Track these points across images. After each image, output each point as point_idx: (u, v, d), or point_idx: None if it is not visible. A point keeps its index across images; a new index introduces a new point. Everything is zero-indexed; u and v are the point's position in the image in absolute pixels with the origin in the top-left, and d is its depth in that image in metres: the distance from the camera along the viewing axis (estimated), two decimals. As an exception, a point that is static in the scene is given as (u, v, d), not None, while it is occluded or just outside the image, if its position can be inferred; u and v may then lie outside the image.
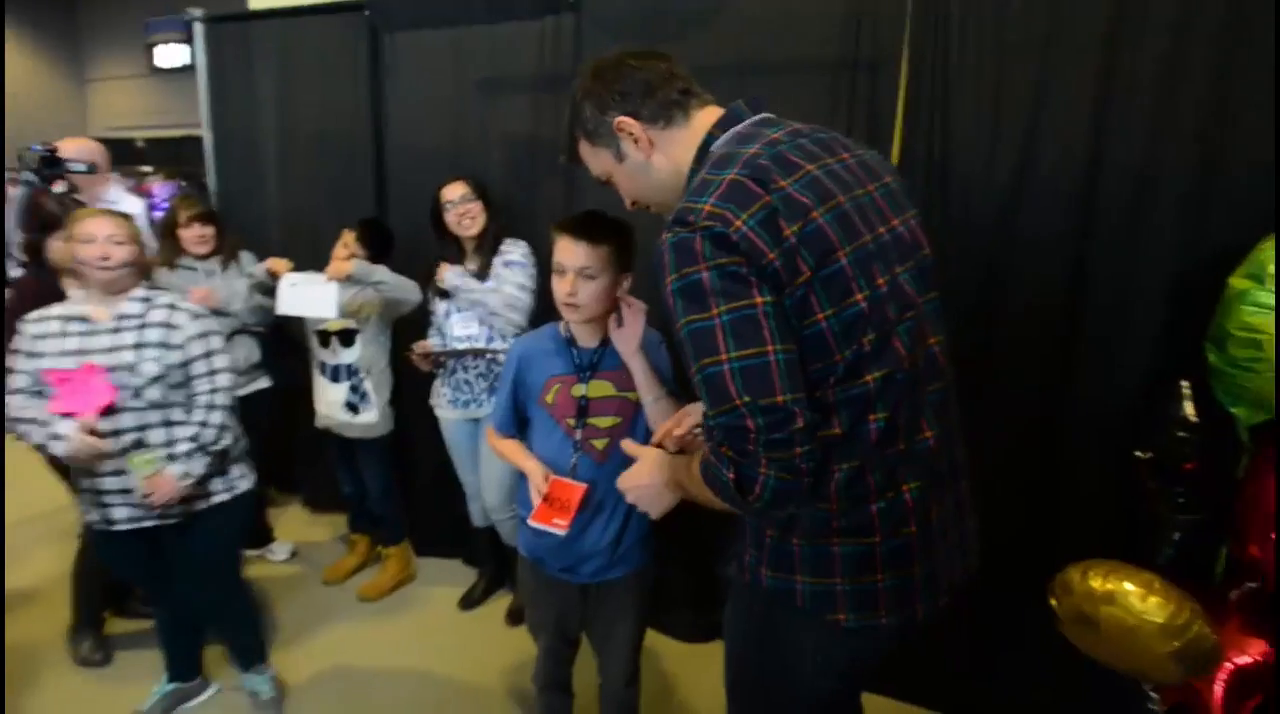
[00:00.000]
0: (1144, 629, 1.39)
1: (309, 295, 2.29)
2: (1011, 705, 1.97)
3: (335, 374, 2.50)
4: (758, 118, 1.07)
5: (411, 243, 2.52)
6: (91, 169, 3.04)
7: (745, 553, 1.12)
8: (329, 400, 2.53)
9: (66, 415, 1.67)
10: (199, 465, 1.80)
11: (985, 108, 1.78)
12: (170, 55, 8.54)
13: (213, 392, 1.83)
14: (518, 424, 1.62)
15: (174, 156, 6.95)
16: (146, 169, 5.28)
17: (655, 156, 1.09)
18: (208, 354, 1.83)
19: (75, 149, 3.04)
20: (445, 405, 2.42)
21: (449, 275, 2.27)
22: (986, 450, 1.87)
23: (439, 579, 2.80)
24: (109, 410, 1.70)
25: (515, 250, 2.32)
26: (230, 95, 2.99)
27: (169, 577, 1.94)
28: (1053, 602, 1.57)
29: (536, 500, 1.48)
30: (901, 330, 1.00)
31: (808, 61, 1.98)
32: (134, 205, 3.23)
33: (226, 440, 1.86)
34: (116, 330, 1.75)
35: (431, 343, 2.38)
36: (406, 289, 2.36)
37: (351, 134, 2.72)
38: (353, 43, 2.64)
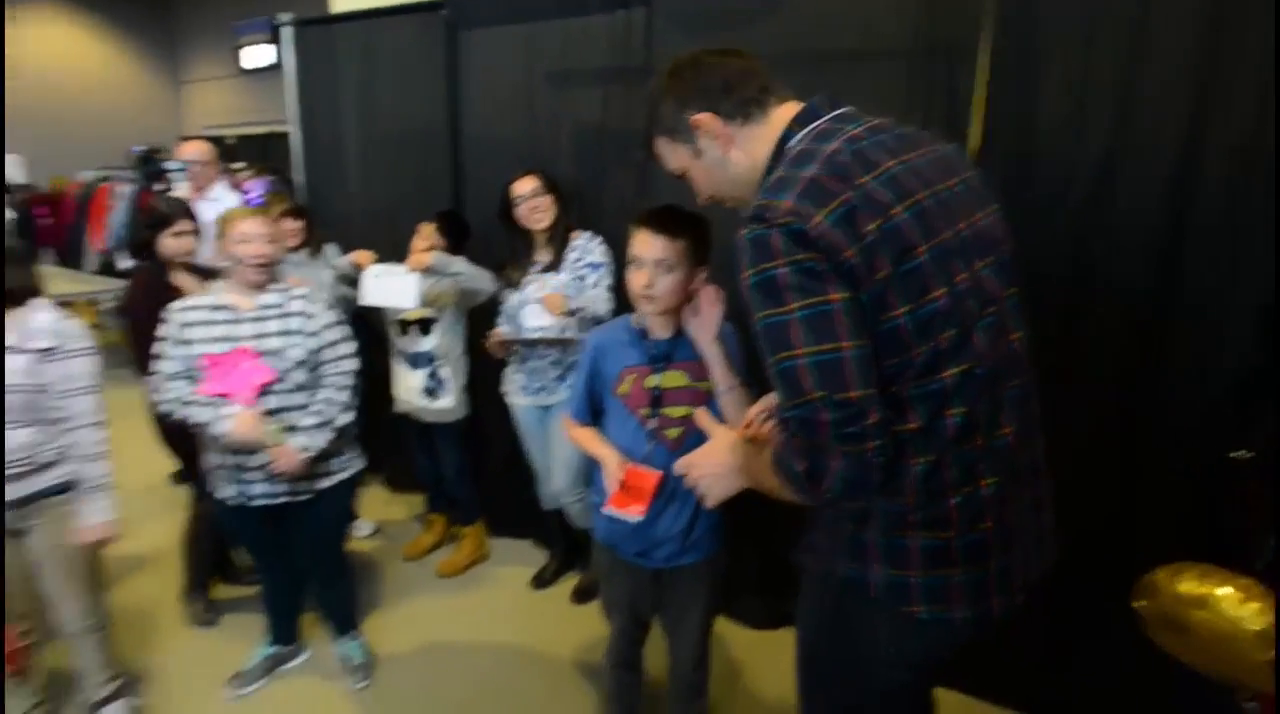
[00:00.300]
0: (1240, 636, 1.34)
1: (391, 286, 2.40)
2: (1088, 704, 1.92)
3: (414, 361, 2.62)
4: (836, 113, 1.06)
5: (486, 234, 2.61)
6: (183, 168, 3.31)
7: (820, 542, 1.13)
8: (408, 386, 2.64)
9: (221, 396, 1.82)
10: (321, 440, 1.94)
11: (1073, 93, 1.72)
12: (256, 56, 8.96)
13: (339, 373, 1.99)
14: (592, 413, 1.67)
15: (261, 153, 7.30)
16: (238, 166, 5.57)
17: (733, 153, 1.10)
18: (336, 341, 1.99)
19: (192, 151, 3.36)
20: (517, 392, 2.51)
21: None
22: (1067, 444, 1.82)
23: (511, 559, 2.91)
24: (264, 393, 1.85)
25: (596, 249, 2.36)
26: (315, 94, 3.14)
27: (284, 549, 2.10)
28: (1138, 604, 1.53)
29: (613, 488, 1.52)
30: (981, 326, 0.99)
31: (881, 49, 1.95)
32: (232, 200, 3.47)
33: (348, 418, 2.01)
34: (261, 318, 1.90)
35: (504, 331, 2.46)
36: (482, 279, 2.45)
37: (429, 129, 2.82)
38: (430, 41, 2.73)
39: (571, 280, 2.35)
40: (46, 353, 1.69)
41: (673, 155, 1.16)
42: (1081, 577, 1.88)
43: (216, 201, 3.41)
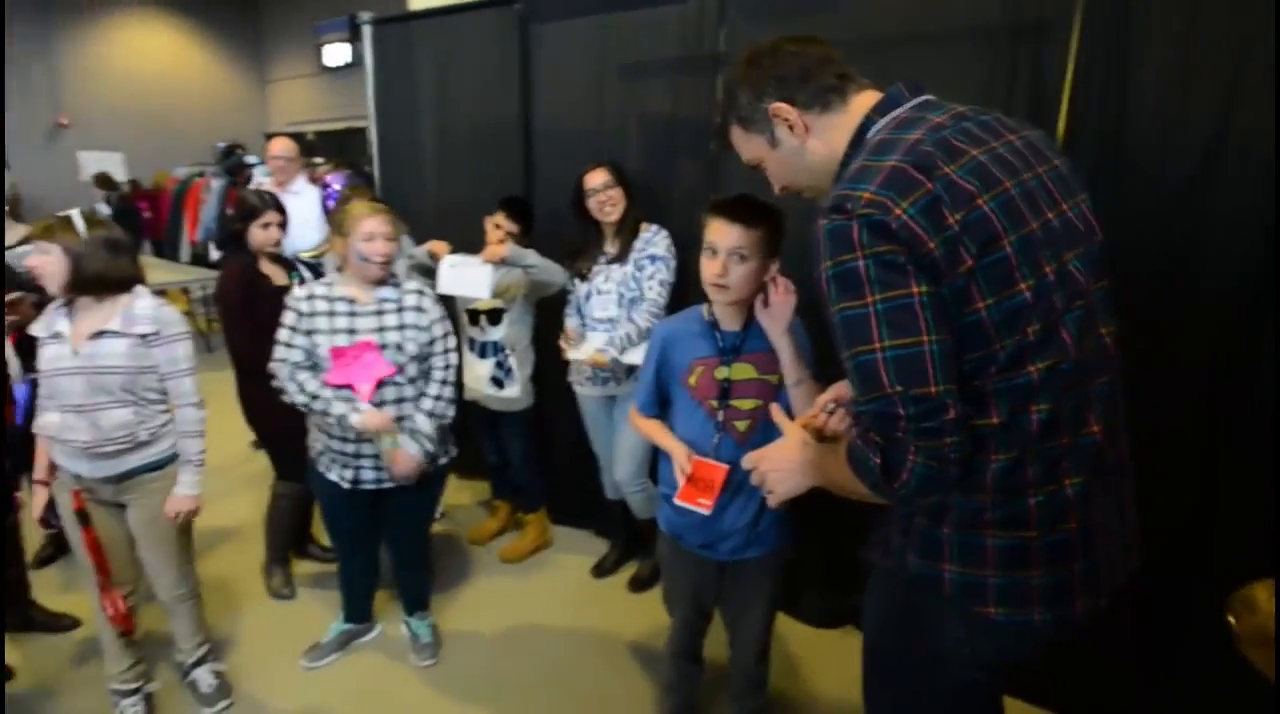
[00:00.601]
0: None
1: (466, 276, 2.46)
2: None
3: (483, 350, 2.68)
4: (918, 101, 1.04)
5: (555, 225, 2.64)
6: (260, 162, 3.57)
7: (891, 538, 1.11)
8: (476, 374, 2.71)
9: (344, 387, 1.91)
10: (433, 439, 2.04)
11: (1173, 73, 1.61)
12: (336, 54, 9.33)
13: (446, 368, 2.08)
14: (660, 404, 1.67)
15: (339, 148, 7.62)
16: (319, 160, 5.82)
17: (811, 142, 1.08)
18: (445, 335, 2.08)
19: (280, 148, 3.60)
20: (584, 382, 2.54)
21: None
22: (1153, 445, 1.73)
23: (573, 547, 2.96)
24: (380, 385, 1.93)
25: (660, 242, 2.37)
26: (393, 90, 3.24)
27: (374, 532, 2.19)
28: (1230, 619, 1.44)
29: (681, 480, 1.52)
30: (1069, 320, 0.95)
31: (963, 30, 1.88)
32: (312, 193, 3.65)
33: (453, 413, 2.11)
34: (380, 312, 2.00)
35: (570, 325, 2.50)
36: (553, 272, 2.48)
37: (501, 122, 2.87)
38: (504, 35, 2.77)
39: (632, 272, 2.37)
40: (147, 338, 1.80)
41: (748, 145, 1.15)
42: (1167, 588, 1.79)
43: (297, 194, 3.58)
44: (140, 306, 1.82)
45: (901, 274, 0.89)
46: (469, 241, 2.59)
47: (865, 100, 1.06)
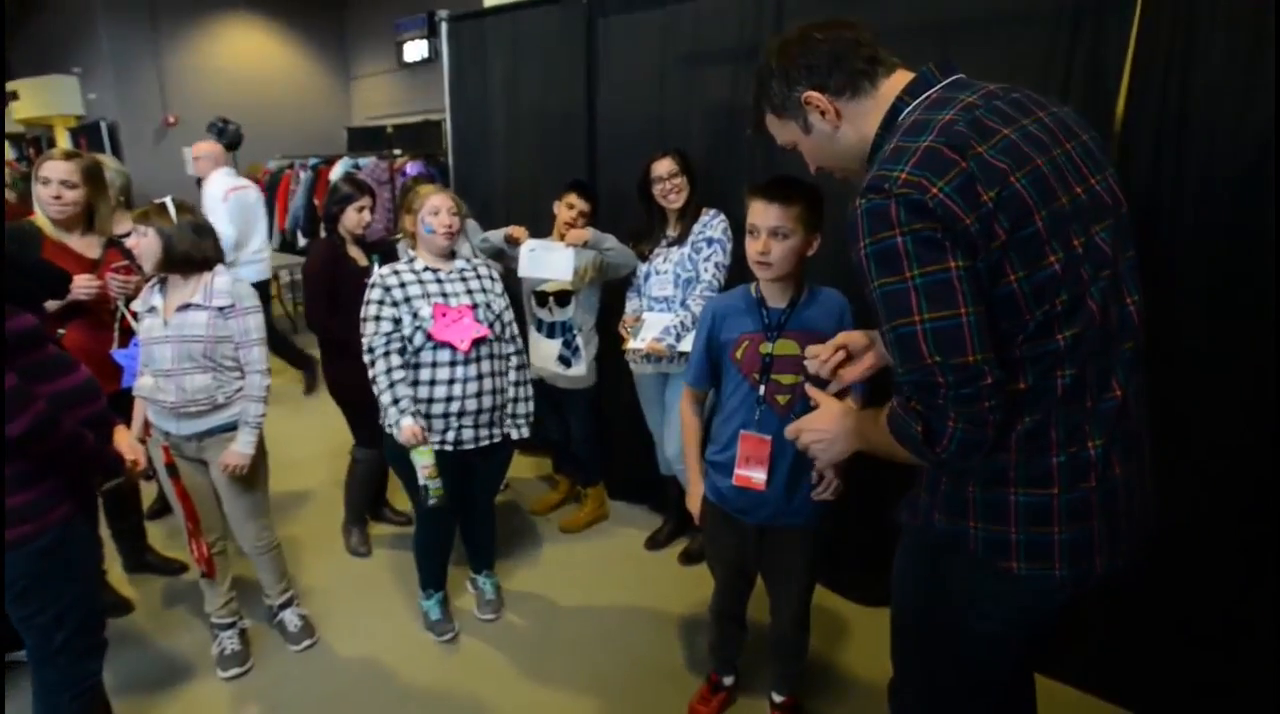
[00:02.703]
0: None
1: (548, 259, 2.58)
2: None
3: (551, 331, 2.81)
4: (948, 81, 1.06)
5: (617, 209, 2.76)
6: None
7: (918, 497, 1.17)
8: (544, 354, 2.83)
9: (444, 344, 2.08)
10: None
11: (1238, 56, 1.58)
12: (414, 50, 9.69)
13: (516, 336, 2.29)
14: (711, 377, 1.75)
15: (416, 140, 7.91)
16: (397, 152, 6.11)
17: (843, 127, 1.11)
18: (508, 306, 2.26)
19: (200, 149, 4.63)
20: (640, 361, 2.64)
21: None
22: (1206, 433, 1.72)
23: (629, 521, 3.08)
24: (476, 344, 2.11)
25: (717, 226, 2.45)
26: (467, 84, 3.41)
27: (459, 497, 2.28)
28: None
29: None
30: (1095, 290, 0.99)
31: (1019, 13, 1.88)
32: (222, 183, 4.40)
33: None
34: (464, 278, 2.19)
35: (630, 307, 2.62)
36: (627, 256, 2.59)
37: (568, 112, 2.99)
38: (570, 29, 2.90)
39: (689, 253, 2.46)
40: (224, 310, 2.01)
41: (783, 131, 1.19)
42: (1218, 576, 1.76)
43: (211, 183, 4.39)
44: (219, 282, 2.03)
45: (939, 250, 0.92)
46: (537, 225, 2.73)
47: (896, 82, 1.08)
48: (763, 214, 1.53)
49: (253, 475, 2.14)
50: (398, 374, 2.08)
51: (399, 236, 3.23)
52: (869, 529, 2.34)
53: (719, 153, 2.59)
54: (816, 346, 1.35)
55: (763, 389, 1.62)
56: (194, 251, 2.00)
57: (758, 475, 1.61)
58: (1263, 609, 1.70)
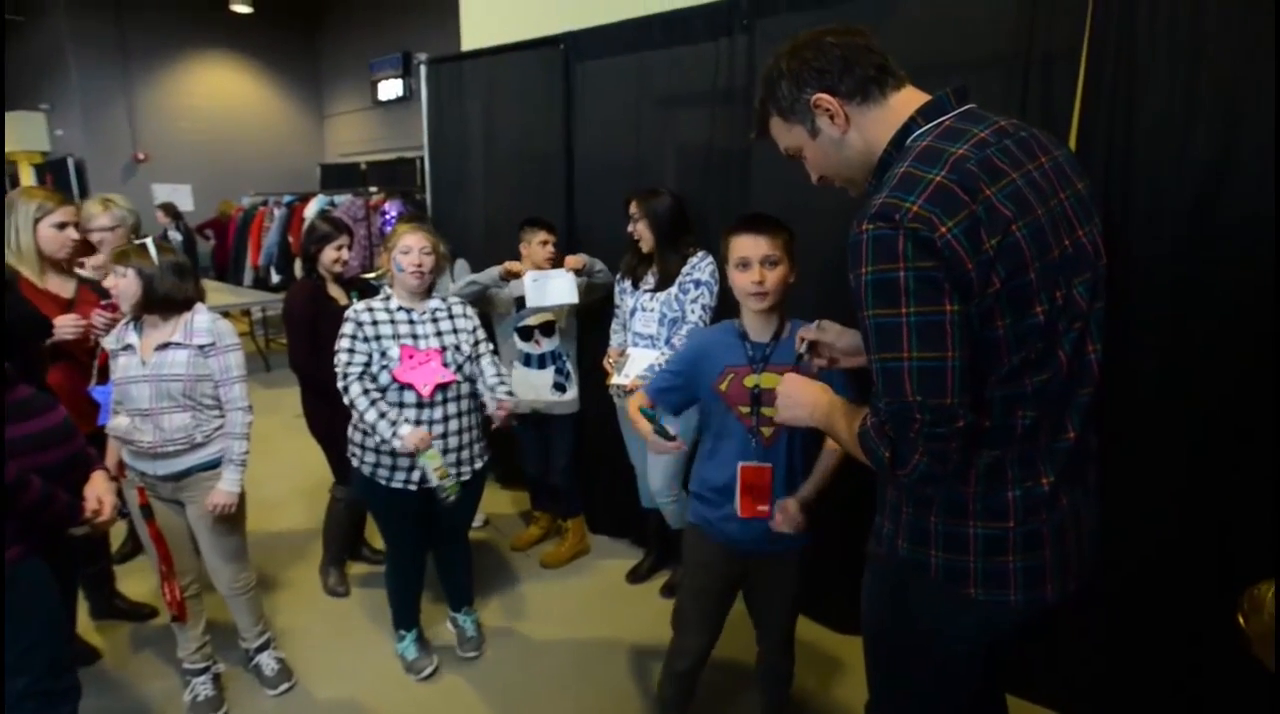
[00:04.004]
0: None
1: (552, 287, 2.63)
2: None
3: (541, 362, 2.86)
4: (962, 111, 1.07)
5: (594, 248, 2.82)
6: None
7: (883, 526, 1.21)
8: (537, 386, 2.85)
9: (407, 385, 2.08)
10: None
11: (1176, 99, 1.70)
12: (389, 89, 9.81)
13: (495, 357, 2.29)
14: (676, 403, 1.75)
15: (390, 177, 7.98)
16: (373, 189, 6.14)
17: (850, 134, 1.10)
18: (484, 340, 2.28)
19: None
20: (623, 396, 2.67)
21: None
22: (1169, 455, 1.80)
23: (610, 554, 3.09)
24: (440, 388, 2.11)
25: (705, 268, 2.48)
26: (446, 124, 3.48)
27: (427, 533, 2.29)
28: (1240, 620, 1.48)
29: (644, 436, 1.64)
30: (1066, 340, 1.03)
31: (980, 58, 1.99)
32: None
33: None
34: (435, 319, 2.19)
35: (616, 342, 2.68)
36: (609, 276, 2.72)
37: (546, 152, 3.07)
38: (548, 72, 2.98)
39: (675, 293, 2.49)
40: (205, 348, 2.00)
41: (788, 134, 1.17)
42: (1185, 590, 1.83)
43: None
44: (199, 321, 2.03)
45: (938, 291, 0.94)
46: (515, 259, 2.77)
47: (908, 98, 1.09)
48: (753, 246, 1.58)
49: (233, 516, 2.11)
50: (375, 394, 2.09)
51: (375, 273, 3.26)
52: (851, 558, 2.39)
53: (694, 193, 2.66)
54: (807, 329, 1.41)
55: (752, 421, 1.64)
56: (175, 292, 2.00)
57: (762, 507, 1.62)
58: (1228, 625, 1.76)
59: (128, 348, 2.01)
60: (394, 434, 2.05)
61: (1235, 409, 1.73)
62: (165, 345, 1.98)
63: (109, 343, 2.06)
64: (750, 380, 1.65)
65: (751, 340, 1.68)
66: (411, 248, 2.13)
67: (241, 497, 2.11)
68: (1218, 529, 1.78)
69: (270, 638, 2.34)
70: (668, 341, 2.51)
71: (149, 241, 2.02)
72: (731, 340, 1.70)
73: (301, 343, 2.58)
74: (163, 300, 1.99)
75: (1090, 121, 1.83)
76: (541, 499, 3.22)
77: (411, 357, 2.10)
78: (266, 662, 2.29)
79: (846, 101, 1.09)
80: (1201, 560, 1.80)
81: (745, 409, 1.65)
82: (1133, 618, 1.92)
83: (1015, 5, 1.88)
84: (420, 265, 2.13)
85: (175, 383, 1.97)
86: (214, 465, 2.06)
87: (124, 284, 1.96)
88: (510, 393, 2.23)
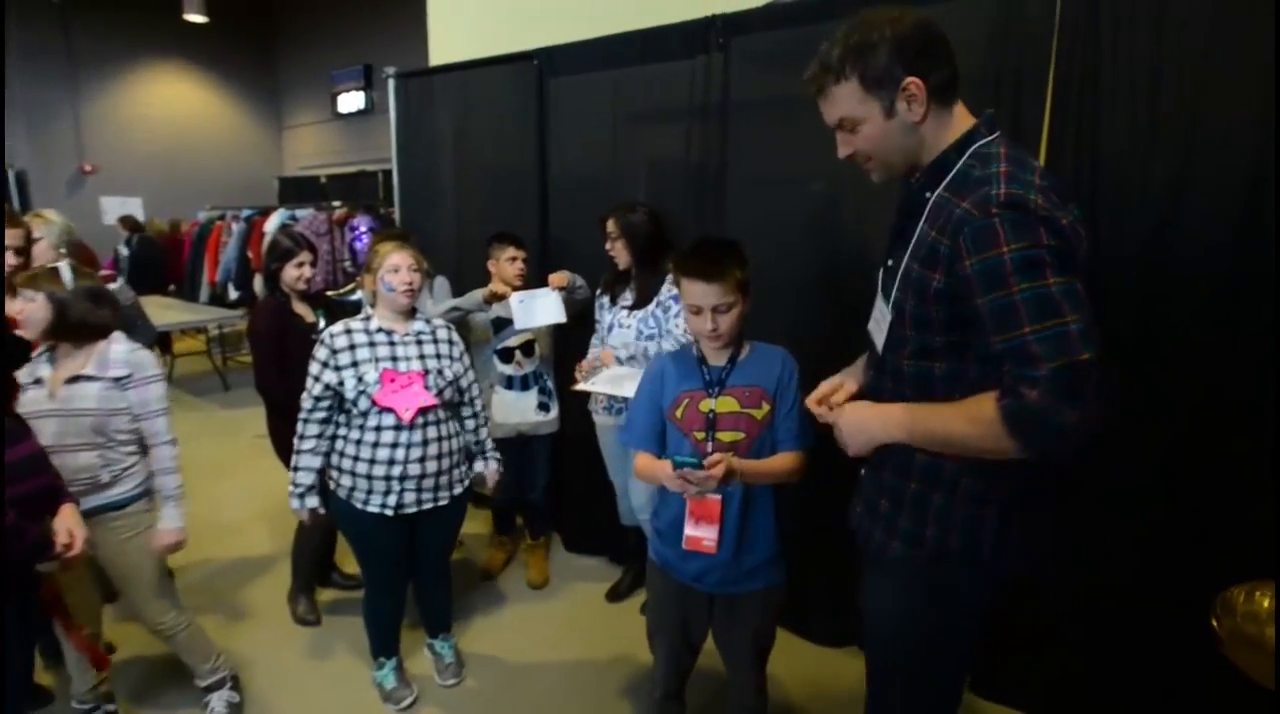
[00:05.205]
0: (1318, 655, 1.34)
1: (538, 307, 2.58)
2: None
3: (524, 383, 2.82)
4: (1001, 135, 1.17)
5: (568, 264, 2.80)
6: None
7: (899, 524, 1.26)
8: (520, 408, 2.82)
9: (387, 409, 2.01)
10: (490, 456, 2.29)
11: (1139, 122, 1.76)
12: (350, 102, 9.67)
13: (476, 397, 2.26)
14: (659, 437, 1.67)
15: (351, 190, 7.85)
16: (335, 204, 6.03)
17: (926, 126, 1.14)
18: (470, 366, 2.24)
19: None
20: (601, 411, 2.65)
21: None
22: (1144, 462, 1.84)
23: (588, 574, 3.05)
24: (421, 412, 2.04)
25: None
26: (415, 138, 3.43)
27: (403, 559, 2.22)
28: (1213, 622, 1.52)
29: (670, 481, 1.52)
30: None
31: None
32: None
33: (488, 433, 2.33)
34: (419, 342, 2.12)
35: (592, 355, 2.64)
36: (588, 291, 2.71)
37: (520, 168, 3.04)
38: (522, 88, 2.96)
39: (654, 311, 2.47)
40: (121, 381, 1.90)
41: (858, 104, 1.15)
42: (1159, 593, 1.88)
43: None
44: (115, 351, 1.92)
45: (1072, 264, 1.03)
46: (488, 280, 2.74)
47: (962, 110, 1.17)
48: (704, 294, 1.53)
49: (147, 556, 1.99)
50: (309, 443, 2.06)
51: (346, 290, 3.18)
52: (834, 572, 2.40)
53: (671, 211, 2.66)
54: (817, 403, 1.41)
55: (709, 446, 1.59)
56: (90, 318, 1.89)
57: (708, 536, 1.58)
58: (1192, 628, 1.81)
59: (38, 381, 1.87)
60: (295, 494, 2.07)
61: (1196, 423, 1.79)
62: (75, 378, 1.86)
63: (23, 375, 1.91)
64: (706, 405, 1.61)
65: (709, 364, 1.64)
66: (400, 267, 2.07)
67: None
68: (1191, 533, 1.83)
69: (224, 678, 2.21)
70: (647, 356, 2.49)
71: (64, 264, 1.92)
72: (688, 366, 1.66)
73: (267, 363, 2.50)
74: (74, 328, 1.87)
75: (1057, 144, 1.88)
76: (506, 523, 3.16)
77: (393, 380, 2.04)
78: (216, 705, 2.17)
79: (931, 96, 1.11)
80: (1174, 563, 1.84)
81: (700, 435, 1.60)
82: (1107, 620, 1.96)
83: (986, 26, 1.93)
84: (411, 283, 2.08)
85: (85, 418, 1.85)
86: (122, 505, 1.94)
87: (31, 310, 1.83)
88: (495, 460, 2.30)
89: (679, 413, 1.63)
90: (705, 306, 1.54)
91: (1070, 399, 1.01)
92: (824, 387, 1.45)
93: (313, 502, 2.07)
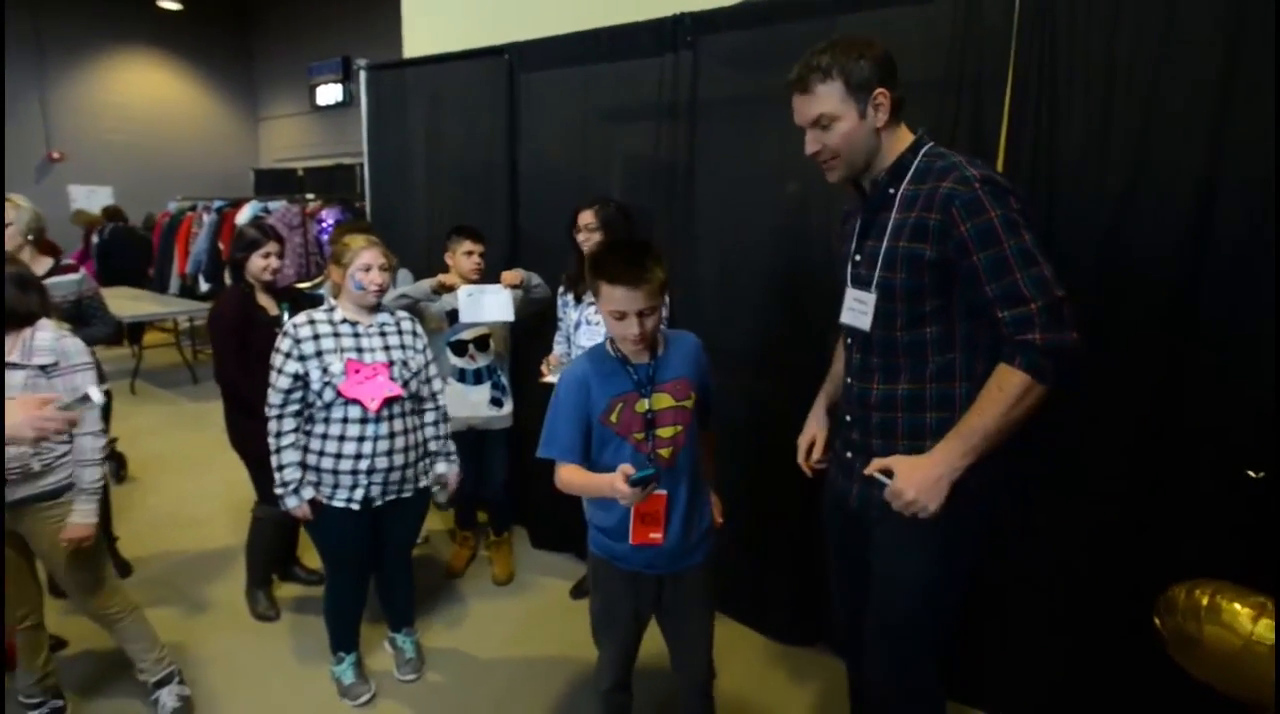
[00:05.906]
0: (1254, 651, 1.37)
1: (486, 302, 2.57)
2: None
3: (477, 377, 2.80)
4: (933, 145, 1.41)
5: (539, 258, 2.80)
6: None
7: (965, 484, 1.33)
8: (473, 402, 2.79)
9: (353, 401, 2.00)
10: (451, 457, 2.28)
11: (1094, 125, 1.79)
12: (328, 94, 9.56)
13: (438, 392, 2.25)
14: (585, 448, 1.60)
15: (328, 183, 7.76)
16: (310, 196, 5.96)
17: (884, 133, 1.38)
18: (431, 360, 2.22)
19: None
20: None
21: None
22: (1091, 463, 1.87)
23: (552, 570, 3.04)
24: (387, 403, 2.03)
25: None
26: (386, 131, 3.41)
27: (367, 554, 2.20)
28: (1157, 621, 1.56)
29: (626, 498, 1.43)
30: None
31: (912, 83, 2.05)
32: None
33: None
34: (383, 333, 2.11)
35: (558, 351, 2.62)
36: (546, 291, 2.69)
37: (490, 162, 3.03)
38: (493, 83, 2.96)
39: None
40: (47, 369, 1.85)
41: (839, 103, 1.36)
42: (1106, 594, 1.91)
43: None
44: (41, 338, 1.87)
45: (1031, 224, 1.30)
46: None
47: (906, 127, 1.42)
48: (628, 300, 1.48)
49: (90, 544, 1.95)
50: (288, 439, 2.03)
51: (312, 284, 3.14)
52: (796, 569, 2.42)
53: (640, 207, 2.66)
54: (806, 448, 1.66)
55: (650, 446, 1.58)
56: (15, 306, 1.85)
57: (655, 535, 1.59)
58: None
59: None
60: (289, 492, 2.03)
61: (1147, 421, 1.82)
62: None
63: None
64: (641, 406, 1.57)
65: (633, 363, 1.60)
66: (372, 266, 2.06)
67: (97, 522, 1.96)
68: (1149, 530, 1.85)
69: (173, 671, 2.17)
70: None
71: (27, 253, 1.88)
72: (610, 368, 1.60)
73: (228, 354, 2.46)
74: None
75: (1016, 147, 1.91)
76: (468, 518, 3.14)
77: (358, 371, 2.02)
78: (166, 699, 2.12)
79: (893, 107, 1.37)
80: (1123, 563, 1.87)
81: (640, 435, 1.58)
82: (1074, 619, 1.99)
83: (948, 30, 1.95)
84: (382, 284, 2.08)
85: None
86: (56, 495, 1.91)
87: None
88: (456, 462, 2.29)
89: (614, 417, 1.57)
90: (630, 311, 1.48)
91: (1063, 326, 1.25)
92: (802, 446, 1.68)
93: (308, 493, 2.04)
